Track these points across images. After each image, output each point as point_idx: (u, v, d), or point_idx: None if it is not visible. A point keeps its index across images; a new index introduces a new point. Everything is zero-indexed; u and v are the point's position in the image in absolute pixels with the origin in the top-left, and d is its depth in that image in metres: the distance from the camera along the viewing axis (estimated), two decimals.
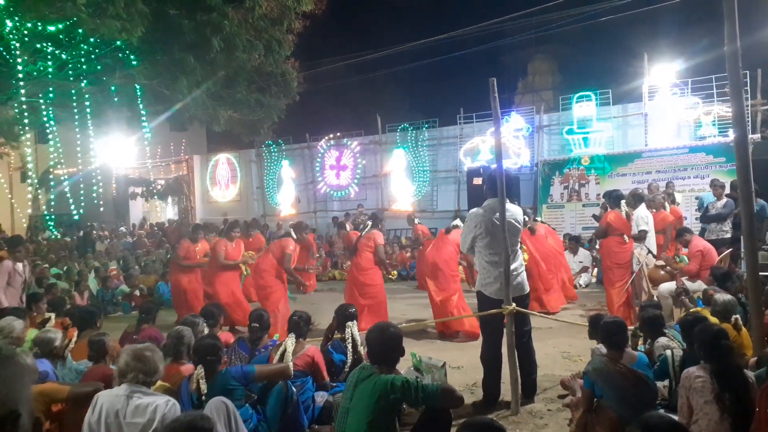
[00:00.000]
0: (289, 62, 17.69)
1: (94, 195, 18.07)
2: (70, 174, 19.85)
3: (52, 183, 18.09)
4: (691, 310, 5.86)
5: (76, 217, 17.41)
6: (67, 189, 17.96)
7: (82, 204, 17.36)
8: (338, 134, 20.48)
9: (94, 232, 18.74)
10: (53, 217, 20.38)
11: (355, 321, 5.48)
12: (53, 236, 17.94)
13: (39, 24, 13.09)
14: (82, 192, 17.50)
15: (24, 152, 19.11)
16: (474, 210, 5.52)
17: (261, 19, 15.14)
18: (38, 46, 14.43)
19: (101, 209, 18.13)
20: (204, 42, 14.32)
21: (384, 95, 34.43)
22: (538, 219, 11.25)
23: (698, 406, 3.66)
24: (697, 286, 7.29)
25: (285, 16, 15.57)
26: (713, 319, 5.04)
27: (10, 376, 1.45)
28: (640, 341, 5.60)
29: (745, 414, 3.54)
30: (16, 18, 12.74)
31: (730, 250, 8.64)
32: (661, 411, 4.09)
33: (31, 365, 3.99)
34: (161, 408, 3.27)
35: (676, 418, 3.79)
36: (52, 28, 13.33)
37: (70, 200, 16.65)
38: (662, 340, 5.02)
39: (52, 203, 17.98)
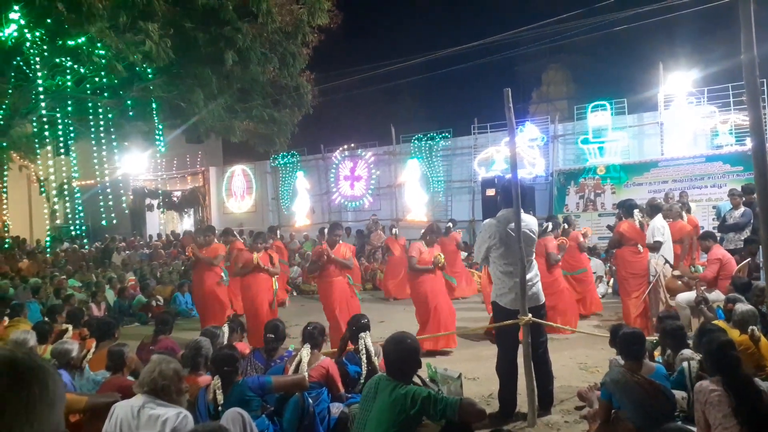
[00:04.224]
0: (304, 75, 17.82)
1: (123, 206, 18.31)
2: (87, 186, 20.08)
3: (77, 195, 18.29)
4: (710, 321, 5.79)
5: (105, 222, 17.69)
6: (84, 200, 18.21)
7: (102, 216, 17.61)
8: (352, 145, 20.53)
9: (115, 243, 18.92)
10: (66, 228, 20.65)
11: (368, 332, 5.46)
12: (49, 248, 18.13)
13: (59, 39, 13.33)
14: (102, 203, 17.74)
15: (43, 165, 19.39)
16: (488, 220, 5.51)
17: (275, 33, 15.28)
18: (57, 60, 14.67)
19: (118, 220, 18.35)
20: (219, 55, 14.50)
21: (398, 106, 34.54)
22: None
23: (716, 420, 3.60)
24: (716, 296, 7.20)
25: (299, 29, 15.69)
26: (734, 331, 4.98)
27: (60, 394, 1.35)
28: (657, 352, 5.55)
29: (763, 424, 3.50)
30: (37, 33, 12.98)
31: (748, 260, 8.53)
32: (680, 423, 4.05)
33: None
34: (171, 421, 3.25)
35: (694, 429, 3.75)
36: (71, 43, 13.58)
37: (101, 211, 16.91)
38: (686, 351, 4.93)
39: (81, 214, 18.20)
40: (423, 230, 8.46)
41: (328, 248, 7.96)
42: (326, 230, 7.93)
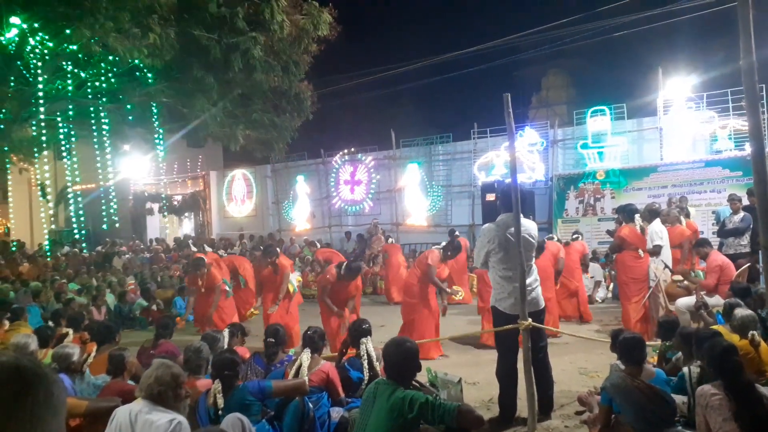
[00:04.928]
0: (304, 83, 17.91)
1: (113, 210, 18.32)
2: (87, 190, 20.09)
3: (75, 198, 18.31)
4: (710, 326, 5.80)
5: (105, 226, 17.68)
6: (85, 204, 18.24)
7: (104, 219, 17.63)
8: (352, 149, 20.55)
9: (116, 247, 18.92)
10: (67, 231, 20.65)
11: (369, 337, 5.46)
12: (49, 252, 18.16)
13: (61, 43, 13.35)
14: (104, 208, 17.75)
15: (43, 169, 19.42)
16: (487, 225, 5.52)
17: (280, 41, 15.36)
18: (58, 65, 14.71)
19: (119, 224, 18.38)
20: (226, 63, 14.54)
21: (398, 110, 34.64)
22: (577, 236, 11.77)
23: (717, 424, 3.61)
24: (715, 300, 7.21)
25: (302, 38, 15.79)
26: (734, 336, 4.98)
27: (63, 401, 1.37)
28: (652, 358, 5.55)
29: (764, 429, 3.51)
30: (37, 37, 13.00)
31: (748, 264, 8.54)
32: (680, 428, 4.05)
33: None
34: (163, 428, 3.18)
35: None
36: (74, 47, 13.60)
37: (102, 214, 16.85)
38: None
39: (82, 218, 18.21)
40: (444, 243, 8.40)
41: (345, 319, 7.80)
42: (342, 269, 7.74)
